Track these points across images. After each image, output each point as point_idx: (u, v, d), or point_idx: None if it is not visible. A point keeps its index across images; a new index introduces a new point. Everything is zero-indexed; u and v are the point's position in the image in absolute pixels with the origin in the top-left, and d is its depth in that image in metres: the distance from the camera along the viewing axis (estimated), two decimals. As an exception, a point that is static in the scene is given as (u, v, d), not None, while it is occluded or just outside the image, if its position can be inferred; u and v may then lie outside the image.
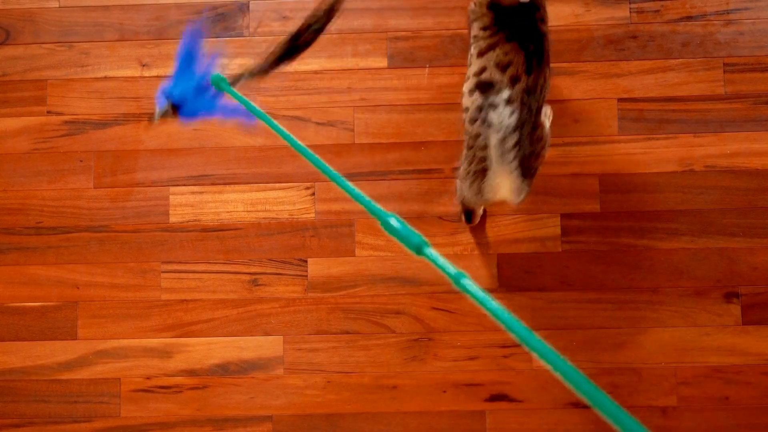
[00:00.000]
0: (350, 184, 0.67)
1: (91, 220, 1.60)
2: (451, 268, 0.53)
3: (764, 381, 1.50)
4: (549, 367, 0.44)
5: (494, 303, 0.48)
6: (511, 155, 1.11)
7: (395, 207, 1.57)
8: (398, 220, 0.58)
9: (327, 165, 0.73)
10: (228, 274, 1.58)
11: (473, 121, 1.18)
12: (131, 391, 1.55)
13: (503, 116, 1.08)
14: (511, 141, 1.09)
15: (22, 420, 1.56)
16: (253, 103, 0.91)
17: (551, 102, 1.59)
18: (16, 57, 1.66)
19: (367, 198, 0.63)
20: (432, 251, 0.53)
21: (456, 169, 1.34)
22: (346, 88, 1.62)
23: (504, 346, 1.53)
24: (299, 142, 0.76)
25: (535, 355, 0.46)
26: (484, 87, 1.16)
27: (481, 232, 1.56)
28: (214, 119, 1.01)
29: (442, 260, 0.53)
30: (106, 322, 1.58)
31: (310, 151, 0.74)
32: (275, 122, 0.83)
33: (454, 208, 1.57)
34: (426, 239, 0.55)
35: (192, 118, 1.02)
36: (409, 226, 0.56)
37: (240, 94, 0.96)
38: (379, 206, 0.60)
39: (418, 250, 0.54)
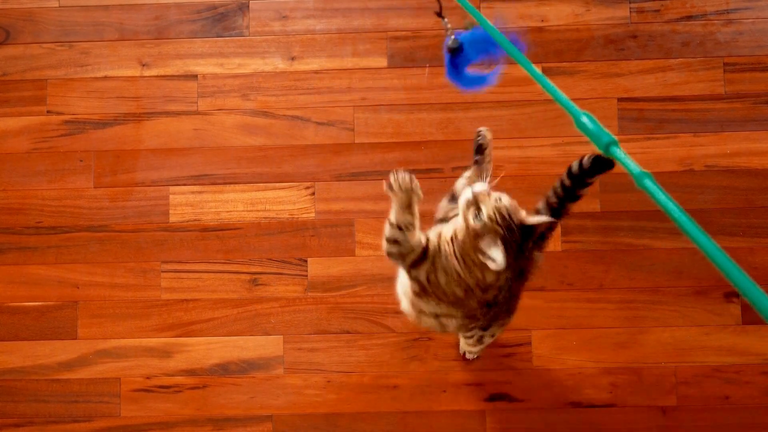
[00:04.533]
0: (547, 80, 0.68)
1: (91, 219, 1.60)
2: (636, 168, 0.55)
3: (764, 381, 1.50)
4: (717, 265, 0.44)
5: (676, 206, 0.49)
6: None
7: (395, 207, 1.57)
8: (590, 119, 0.60)
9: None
10: (228, 274, 1.58)
11: None
12: (131, 391, 1.55)
13: None
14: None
15: (22, 420, 1.56)
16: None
17: (552, 102, 1.59)
18: (16, 57, 1.66)
19: (561, 93, 0.65)
20: (620, 151, 0.56)
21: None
22: (346, 87, 1.62)
23: (504, 346, 1.53)
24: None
25: (713, 263, 0.46)
26: None
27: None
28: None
29: (628, 160, 0.55)
30: (106, 321, 1.58)
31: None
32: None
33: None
34: (616, 139, 0.57)
35: (460, 75, 1.05)
36: (601, 126, 0.58)
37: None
38: (572, 102, 0.62)
39: (606, 149, 0.56)
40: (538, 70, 0.75)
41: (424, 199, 1.59)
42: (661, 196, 0.50)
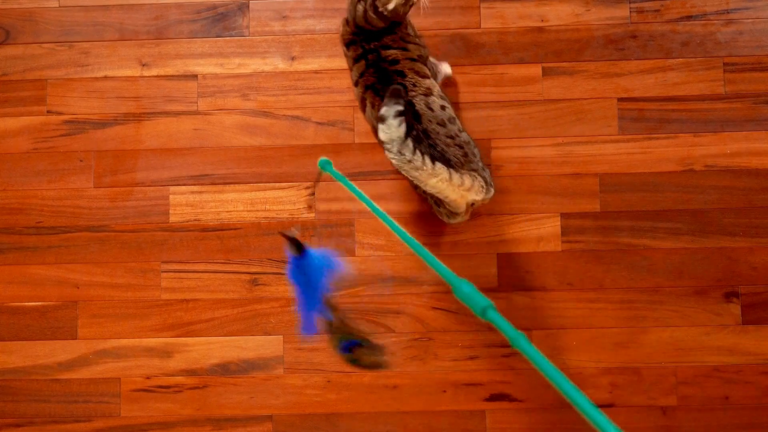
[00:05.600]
0: (427, 252, 0.72)
1: (91, 219, 1.61)
2: (511, 330, 0.58)
3: (764, 380, 1.50)
4: None
5: (552, 367, 0.51)
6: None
7: (395, 207, 1.57)
8: (469, 286, 0.64)
9: (416, 241, 0.77)
10: (228, 274, 1.58)
11: None
12: (131, 391, 1.56)
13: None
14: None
15: (22, 420, 1.56)
16: (356, 188, 0.96)
17: (552, 102, 1.59)
18: (16, 57, 1.66)
19: (440, 264, 0.69)
20: (495, 314, 0.59)
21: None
22: (346, 87, 1.62)
23: (504, 346, 1.53)
24: (407, 234, 0.80)
25: (589, 422, 0.47)
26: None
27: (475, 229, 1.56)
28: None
29: (503, 322, 0.58)
30: (106, 321, 1.58)
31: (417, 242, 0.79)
32: (384, 213, 0.88)
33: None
34: (492, 303, 0.61)
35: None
36: (479, 292, 0.62)
37: (343, 176, 1.02)
38: (451, 272, 0.66)
39: (483, 313, 0.60)
40: (410, 236, 0.79)
41: (424, 198, 1.59)
42: (538, 356, 0.52)
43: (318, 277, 1.05)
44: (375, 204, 0.92)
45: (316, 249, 1.01)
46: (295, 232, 0.99)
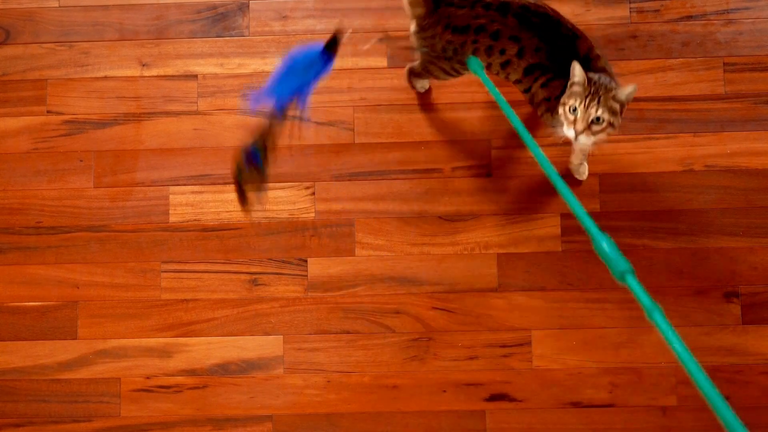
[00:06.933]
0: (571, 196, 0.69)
1: (91, 219, 1.61)
2: (647, 300, 0.55)
3: (764, 380, 1.50)
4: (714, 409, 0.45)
5: (681, 343, 0.50)
6: None
7: (395, 207, 1.57)
8: (610, 244, 0.60)
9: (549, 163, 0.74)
10: (228, 274, 1.58)
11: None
12: (131, 391, 1.56)
13: None
14: None
15: (22, 420, 1.56)
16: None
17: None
18: (16, 57, 1.66)
19: (587, 215, 0.65)
20: (634, 280, 0.56)
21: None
22: (346, 87, 1.62)
23: (504, 346, 1.53)
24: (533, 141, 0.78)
25: (706, 398, 0.46)
26: None
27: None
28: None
29: (641, 290, 0.55)
30: (106, 321, 1.58)
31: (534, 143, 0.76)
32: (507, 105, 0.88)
33: (454, 207, 1.57)
34: (632, 268, 0.57)
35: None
36: (619, 252, 0.58)
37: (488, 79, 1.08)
38: (596, 226, 0.63)
39: (621, 277, 0.56)
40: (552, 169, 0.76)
41: (424, 198, 1.60)
42: (669, 331, 0.50)
43: (306, 78, 1.03)
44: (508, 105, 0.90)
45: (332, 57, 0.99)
46: (343, 35, 0.99)
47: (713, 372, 1.50)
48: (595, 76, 1.20)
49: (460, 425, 1.51)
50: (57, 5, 1.68)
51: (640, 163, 1.57)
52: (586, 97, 1.18)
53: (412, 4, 1.31)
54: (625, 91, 1.18)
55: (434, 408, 1.52)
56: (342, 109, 1.61)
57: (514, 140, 1.59)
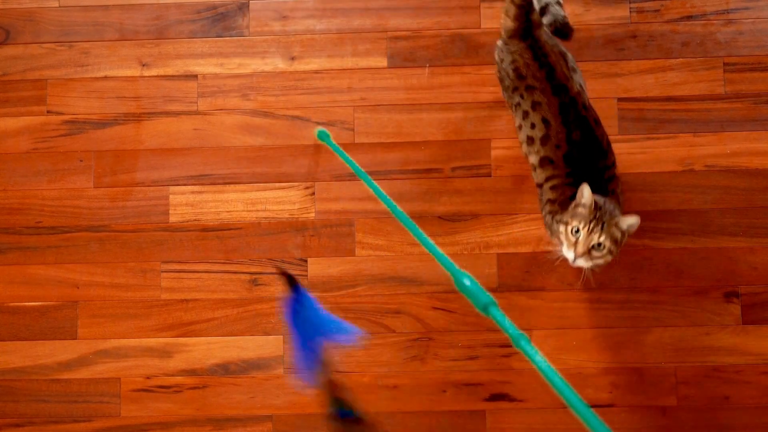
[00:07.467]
0: (425, 237, 0.72)
1: (91, 219, 1.61)
2: (513, 329, 0.57)
3: (764, 380, 1.50)
4: None
5: (553, 370, 0.51)
6: None
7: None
8: (471, 280, 0.63)
9: (422, 232, 0.77)
10: (228, 274, 1.58)
11: None
12: (131, 391, 1.55)
13: None
14: None
15: (22, 420, 1.56)
16: (353, 161, 1.02)
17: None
18: (16, 57, 1.66)
19: (442, 253, 0.68)
20: (497, 311, 0.58)
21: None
22: (346, 87, 1.62)
23: (504, 346, 1.53)
24: (398, 208, 0.80)
25: (584, 423, 0.47)
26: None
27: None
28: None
29: (506, 320, 0.57)
30: (106, 321, 1.58)
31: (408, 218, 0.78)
32: (376, 185, 0.89)
33: (454, 207, 1.57)
34: (495, 300, 0.60)
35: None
36: (482, 288, 0.61)
37: (340, 149, 1.03)
38: (452, 263, 0.65)
39: (485, 310, 0.58)
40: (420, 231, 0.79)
41: (424, 198, 1.60)
42: (539, 359, 0.52)
43: (314, 328, 1.03)
44: (378, 187, 0.91)
45: (321, 310, 1.00)
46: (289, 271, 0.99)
47: (713, 372, 1.50)
48: (601, 201, 1.17)
49: (460, 425, 1.51)
50: (57, 5, 1.68)
51: (640, 162, 1.57)
52: (591, 221, 1.15)
53: (507, 13, 1.29)
54: (628, 221, 1.15)
55: (434, 408, 1.52)
56: (342, 109, 1.61)
57: (514, 140, 1.59)
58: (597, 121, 1.27)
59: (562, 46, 1.31)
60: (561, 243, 1.22)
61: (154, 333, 1.57)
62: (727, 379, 1.50)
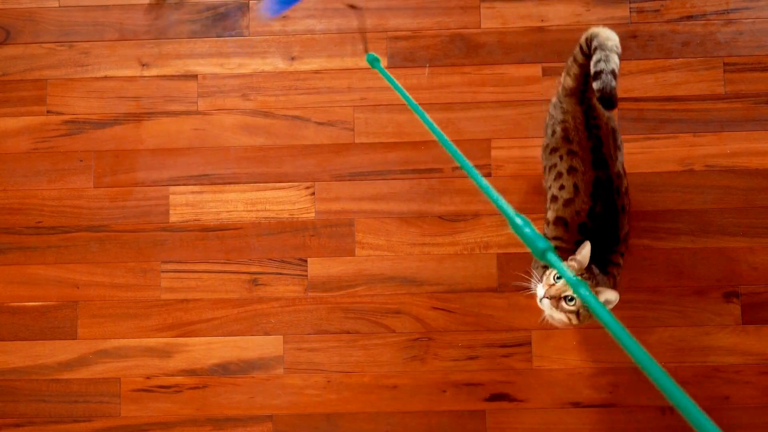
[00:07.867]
0: (482, 179, 0.72)
1: (91, 219, 1.61)
2: (571, 275, 0.59)
3: (764, 380, 1.50)
4: (652, 378, 0.46)
5: (615, 320, 0.52)
6: None
7: (395, 207, 1.57)
8: (526, 224, 0.63)
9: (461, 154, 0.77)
10: (228, 274, 1.58)
11: None
12: (131, 391, 1.56)
13: None
14: None
15: (22, 420, 1.56)
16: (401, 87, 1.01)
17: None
18: (16, 57, 1.66)
19: (498, 196, 0.68)
20: (554, 257, 0.59)
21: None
22: (346, 87, 1.62)
23: (504, 346, 1.53)
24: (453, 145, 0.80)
25: (639, 365, 0.47)
26: None
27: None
28: None
29: (563, 267, 0.59)
30: (106, 321, 1.58)
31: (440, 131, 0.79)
32: (428, 117, 0.89)
33: (454, 207, 1.57)
34: (552, 245, 0.61)
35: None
36: (538, 233, 0.62)
37: (391, 76, 1.07)
38: (509, 206, 0.66)
39: (542, 255, 0.60)
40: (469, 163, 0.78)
41: (424, 198, 1.60)
42: (593, 301, 0.53)
43: None
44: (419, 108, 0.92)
45: None
46: None
47: (713, 372, 1.50)
48: (596, 271, 1.17)
49: (460, 425, 1.51)
50: (57, 5, 1.68)
51: (640, 162, 1.57)
52: (577, 275, 1.13)
53: (568, 71, 1.29)
54: (608, 295, 1.11)
55: (434, 408, 1.52)
56: (342, 109, 1.61)
57: (514, 140, 1.59)
58: (624, 209, 1.28)
59: (614, 121, 1.31)
60: (538, 280, 1.20)
61: (154, 333, 1.57)
62: (727, 379, 1.50)
